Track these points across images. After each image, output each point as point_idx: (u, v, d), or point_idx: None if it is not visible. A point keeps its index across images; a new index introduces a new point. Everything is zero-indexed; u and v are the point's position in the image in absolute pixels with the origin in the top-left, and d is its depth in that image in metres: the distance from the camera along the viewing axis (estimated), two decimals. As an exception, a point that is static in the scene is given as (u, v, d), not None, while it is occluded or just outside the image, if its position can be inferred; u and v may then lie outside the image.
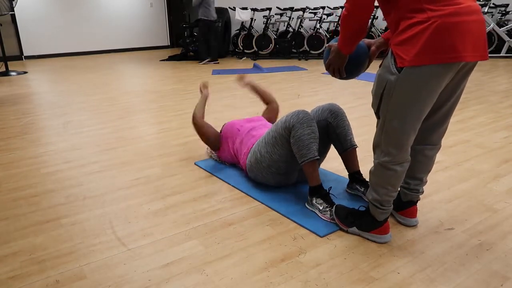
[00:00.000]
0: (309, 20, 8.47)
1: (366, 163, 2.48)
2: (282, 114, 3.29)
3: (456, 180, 2.31)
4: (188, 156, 2.77)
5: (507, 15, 8.15)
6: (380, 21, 8.54)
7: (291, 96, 4.70)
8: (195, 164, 2.62)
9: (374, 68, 6.38)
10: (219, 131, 2.62)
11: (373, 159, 1.64)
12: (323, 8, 8.15)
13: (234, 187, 2.26)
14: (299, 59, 8.23)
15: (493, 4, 7.97)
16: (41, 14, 9.16)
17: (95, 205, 2.08)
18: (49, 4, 9.22)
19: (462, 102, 4.17)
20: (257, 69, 6.93)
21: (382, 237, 1.69)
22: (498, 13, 8.09)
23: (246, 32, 8.54)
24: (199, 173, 2.48)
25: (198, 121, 2.57)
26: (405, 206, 1.82)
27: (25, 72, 7.04)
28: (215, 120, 3.67)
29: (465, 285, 1.44)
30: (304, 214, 1.93)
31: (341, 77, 1.76)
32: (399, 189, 1.82)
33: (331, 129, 2.11)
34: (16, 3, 6.87)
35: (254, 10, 8.35)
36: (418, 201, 1.84)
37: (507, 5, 8.03)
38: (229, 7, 8.75)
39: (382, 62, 1.52)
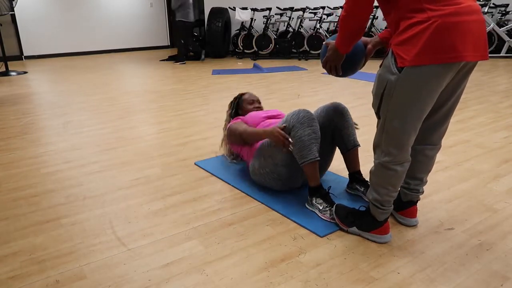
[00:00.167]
0: (309, 20, 8.46)
1: (366, 163, 2.48)
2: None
3: (456, 180, 2.31)
4: (188, 156, 2.76)
5: (507, 15, 8.15)
6: (380, 21, 8.54)
7: (291, 96, 4.70)
8: (195, 164, 2.62)
9: (374, 68, 6.38)
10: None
11: (373, 159, 1.64)
12: (323, 8, 8.15)
13: (234, 187, 2.26)
14: (299, 59, 8.23)
15: (493, 4, 7.97)
16: (41, 14, 9.16)
17: (95, 205, 2.08)
18: (49, 4, 9.21)
19: (462, 102, 4.17)
20: (257, 69, 6.93)
21: (382, 237, 1.69)
22: (498, 13, 8.09)
23: (246, 32, 8.53)
24: (199, 173, 2.48)
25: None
26: (405, 206, 1.82)
27: (25, 72, 7.04)
28: (215, 120, 3.67)
29: (465, 285, 1.44)
30: (304, 214, 1.93)
31: (337, 75, 1.79)
32: (399, 189, 1.82)
33: (336, 129, 2.08)
34: (16, 3, 6.87)
35: (254, 10, 8.35)
36: (418, 201, 1.84)
37: (507, 5, 8.03)
38: (229, 7, 8.75)
39: (382, 62, 1.52)
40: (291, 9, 8.25)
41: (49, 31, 9.31)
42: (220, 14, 8.38)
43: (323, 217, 1.88)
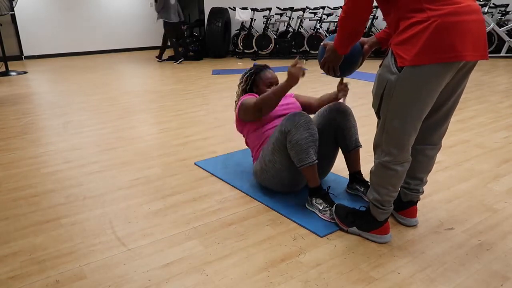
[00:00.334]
0: (309, 20, 8.47)
1: (366, 163, 2.48)
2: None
3: (456, 180, 2.31)
4: (188, 156, 2.76)
5: (507, 15, 8.15)
6: (380, 21, 8.53)
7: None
8: (195, 164, 2.62)
9: (374, 68, 6.38)
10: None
11: (373, 159, 1.64)
12: (323, 8, 8.15)
13: (234, 187, 2.26)
14: (299, 59, 8.22)
15: (493, 4, 7.97)
16: (41, 14, 9.15)
17: (95, 205, 2.08)
18: (49, 4, 9.21)
19: (462, 102, 4.17)
20: (257, 69, 6.92)
21: (382, 237, 1.69)
22: (498, 13, 8.09)
23: (246, 32, 8.53)
24: (199, 173, 2.48)
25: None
26: (405, 206, 1.82)
27: (25, 72, 7.04)
28: (215, 120, 3.67)
29: (465, 285, 1.44)
30: (304, 214, 1.93)
31: (335, 75, 1.81)
32: (399, 189, 1.82)
33: (339, 129, 2.07)
34: (16, 3, 6.87)
35: (254, 10, 8.35)
36: (418, 201, 1.84)
37: (507, 5, 8.03)
38: (229, 7, 8.75)
39: (382, 62, 1.52)
40: (291, 9, 8.25)
41: (49, 31, 9.31)
42: (220, 14, 8.38)
43: (323, 217, 1.88)
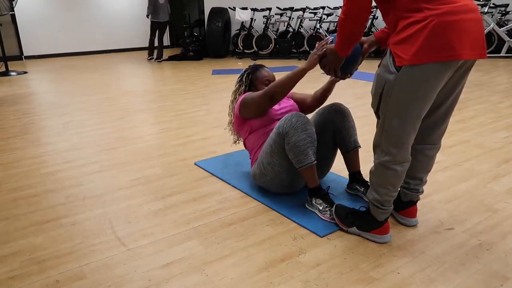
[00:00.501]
0: (309, 20, 8.47)
1: (366, 163, 2.48)
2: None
3: (456, 180, 2.31)
4: (188, 156, 2.76)
5: (507, 15, 8.15)
6: (380, 21, 8.54)
7: (291, 96, 4.69)
8: (195, 164, 2.62)
9: (373, 68, 6.38)
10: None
11: (373, 159, 1.64)
12: (323, 8, 8.15)
13: (234, 187, 2.26)
14: (299, 59, 8.23)
15: (493, 4, 7.97)
16: (41, 14, 9.16)
17: (95, 205, 2.08)
18: (49, 4, 9.21)
19: (462, 102, 4.17)
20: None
21: (382, 237, 1.69)
22: (498, 13, 8.09)
23: (246, 32, 8.53)
24: (199, 173, 2.48)
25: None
26: (405, 206, 1.82)
27: (25, 72, 7.04)
28: (215, 120, 3.67)
29: (465, 285, 1.44)
30: (304, 214, 1.93)
31: (336, 76, 1.82)
32: (399, 189, 1.82)
33: (337, 129, 2.07)
34: (16, 3, 6.87)
35: (254, 10, 8.35)
36: (418, 201, 1.84)
37: (507, 5, 8.03)
38: (229, 7, 8.75)
39: (381, 61, 1.52)
40: (291, 9, 8.25)
41: (49, 31, 9.31)
42: (220, 14, 8.38)
43: (323, 217, 1.88)
